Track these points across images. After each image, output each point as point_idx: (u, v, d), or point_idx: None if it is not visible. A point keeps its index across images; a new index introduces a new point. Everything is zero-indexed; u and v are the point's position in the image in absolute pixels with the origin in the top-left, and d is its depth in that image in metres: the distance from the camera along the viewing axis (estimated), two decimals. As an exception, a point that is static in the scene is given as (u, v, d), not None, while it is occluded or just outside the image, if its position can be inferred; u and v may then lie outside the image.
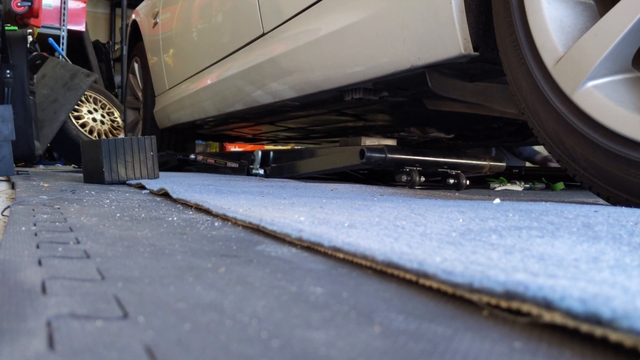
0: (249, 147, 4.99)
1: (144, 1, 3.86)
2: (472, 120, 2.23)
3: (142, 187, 1.65)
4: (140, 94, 3.95)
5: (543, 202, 1.11)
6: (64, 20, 6.02)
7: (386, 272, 0.50)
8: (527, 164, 3.77)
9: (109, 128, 5.01)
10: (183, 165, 3.32)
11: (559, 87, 1.04)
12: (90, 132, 4.85)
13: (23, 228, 0.75)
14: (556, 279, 0.40)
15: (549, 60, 1.06)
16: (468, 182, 2.00)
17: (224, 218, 0.91)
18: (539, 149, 3.71)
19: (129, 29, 4.09)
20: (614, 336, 0.31)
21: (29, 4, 5.56)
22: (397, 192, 1.59)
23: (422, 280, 0.45)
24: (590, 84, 0.99)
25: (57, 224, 0.80)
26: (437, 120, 2.36)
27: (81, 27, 6.27)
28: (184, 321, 0.35)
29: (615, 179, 0.98)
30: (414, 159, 1.95)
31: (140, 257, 0.57)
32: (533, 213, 0.84)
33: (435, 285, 0.44)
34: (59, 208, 1.02)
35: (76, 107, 4.78)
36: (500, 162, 2.24)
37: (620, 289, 0.37)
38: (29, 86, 3.86)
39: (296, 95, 2.05)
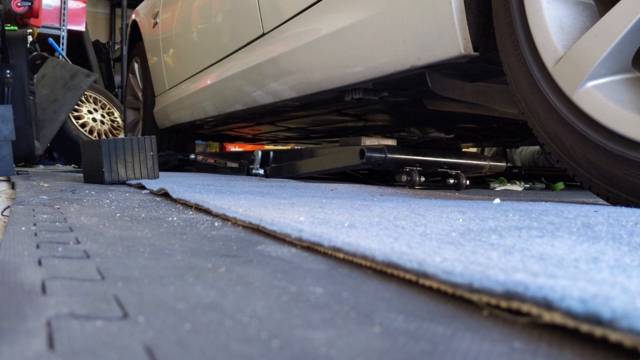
0: (249, 147, 4.98)
1: (144, 1, 3.86)
2: (472, 120, 2.23)
3: (142, 187, 1.65)
4: (140, 94, 3.95)
5: (543, 202, 1.11)
6: (64, 20, 6.02)
7: (386, 272, 0.50)
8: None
9: (109, 128, 5.01)
10: (183, 165, 3.32)
11: (558, 87, 1.04)
12: (90, 132, 4.85)
13: (23, 228, 0.75)
14: (556, 279, 0.40)
15: (548, 60, 1.06)
16: (468, 182, 2.00)
17: (224, 218, 0.91)
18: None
19: (128, 29, 4.09)
20: (613, 336, 0.31)
21: (29, 4, 5.56)
22: (397, 192, 1.59)
23: (422, 280, 0.45)
24: (590, 84, 0.99)
25: (57, 224, 0.80)
26: (437, 120, 2.36)
27: (81, 27, 6.27)
28: (184, 321, 0.35)
29: (615, 179, 0.98)
30: (414, 159, 1.95)
31: (140, 257, 0.57)
32: (533, 213, 0.84)
33: (435, 285, 0.44)
34: (59, 208, 1.02)
35: (76, 107, 4.78)
36: (500, 162, 2.24)
37: (620, 289, 0.37)
38: (29, 86, 3.86)
39: (296, 95, 2.05)
